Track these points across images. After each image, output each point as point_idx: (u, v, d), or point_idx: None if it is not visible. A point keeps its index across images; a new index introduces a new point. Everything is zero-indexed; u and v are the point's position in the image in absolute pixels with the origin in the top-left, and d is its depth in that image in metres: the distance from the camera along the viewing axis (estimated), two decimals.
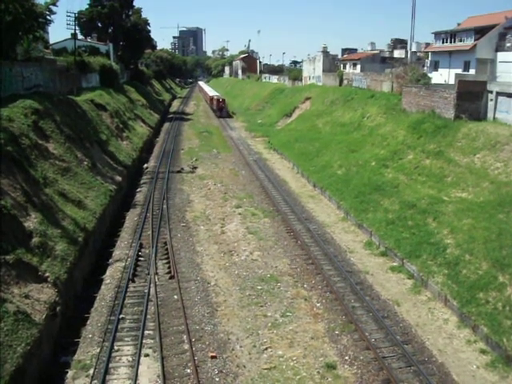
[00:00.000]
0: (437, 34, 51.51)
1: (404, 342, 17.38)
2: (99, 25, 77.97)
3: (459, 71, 43.61)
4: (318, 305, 20.14)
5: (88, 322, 18.48)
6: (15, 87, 31.26)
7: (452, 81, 41.16)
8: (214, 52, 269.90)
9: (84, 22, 74.52)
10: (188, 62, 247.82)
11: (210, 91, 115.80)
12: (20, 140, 24.09)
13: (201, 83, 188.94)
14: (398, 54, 71.59)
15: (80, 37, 69.82)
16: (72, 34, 55.94)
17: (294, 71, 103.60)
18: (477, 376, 15.66)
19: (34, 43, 38.73)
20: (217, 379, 15.33)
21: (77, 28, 58.62)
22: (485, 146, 28.42)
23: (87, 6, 76.80)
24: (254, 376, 15.52)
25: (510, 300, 17.49)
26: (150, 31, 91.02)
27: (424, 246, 23.07)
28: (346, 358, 16.61)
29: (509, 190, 23.87)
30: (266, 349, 16.97)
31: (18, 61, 33.80)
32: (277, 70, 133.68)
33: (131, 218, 30.56)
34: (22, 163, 22.53)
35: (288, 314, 19.28)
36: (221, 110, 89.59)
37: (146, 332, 17.79)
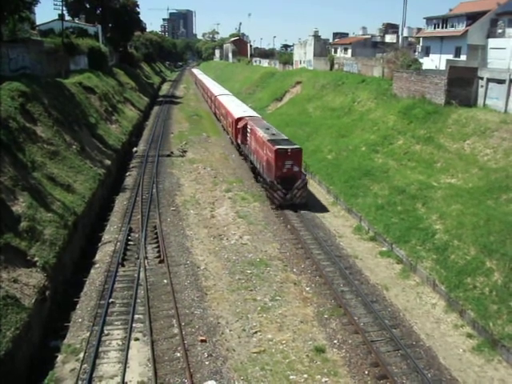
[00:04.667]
0: (428, 20, 51.29)
1: (392, 326, 17.57)
2: (87, 6, 76.39)
3: (450, 57, 43.55)
4: (308, 289, 20.26)
5: (78, 307, 18.46)
6: (1, 69, 30.70)
7: (443, 66, 41.11)
8: (204, 35, 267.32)
9: (71, 2, 72.93)
10: (178, 45, 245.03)
11: (231, 103, 52.48)
12: (7, 123, 23.74)
13: (196, 72, 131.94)
14: (389, 38, 71.46)
15: (67, 18, 68.50)
16: (59, 15, 54.89)
17: (284, 55, 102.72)
18: (463, 359, 15.91)
19: (20, 24, 37.99)
20: (206, 363, 15.42)
21: (64, 9, 57.53)
22: (474, 133, 28.56)
23: None
24: (243, 359, 15.64)
25: (497, 285, 17.72)
26: (139, 13, 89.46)
27: (413, 231, 23.23)
28: (335, 341, 16.76)
29: (498, 177, 24.05)
30: (256, 332, 17.08)
31: (4, 42, 33.16)
32: (267, 54, 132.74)
33: (121, 201, 30.40)
34: (10, 147, 22.24)
35: (277, 298, 19.38)
36: (289, 181, 29.19)
37: (136, 316, 17.79)
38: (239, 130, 40.64)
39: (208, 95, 76.03)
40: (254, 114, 45.24)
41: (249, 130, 36.78)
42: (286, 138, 32.41)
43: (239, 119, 41.71)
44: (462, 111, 31.36)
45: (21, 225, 18.38)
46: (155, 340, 16.41)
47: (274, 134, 32.54)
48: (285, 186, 28.87)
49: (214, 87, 74.87)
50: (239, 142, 41.29)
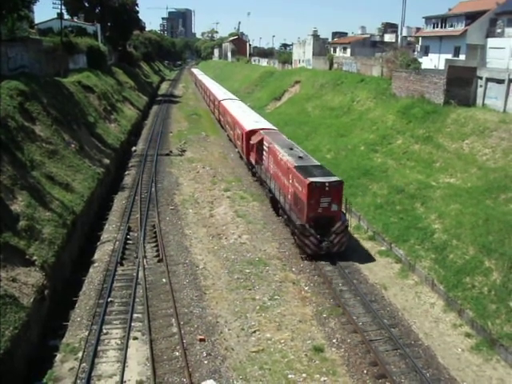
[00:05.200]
0: (428, 19, 51.36)
1: (391, 325, 17.57)
2: (86, 4, 76.36)
3: (449, 56, 43.59)
4: (306, 288, 20.26)
5: (76, 306, 18.44)
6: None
7: (442, 66, 41.14)
8: (203, 34, 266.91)
9: (70, 1, 72.64)
10: (177, 44, 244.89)
11: (240, 111, 45.57)
12: (6, 122, 23.72)
13: (196, 72, 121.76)
14: (388, 38, 71.49)
15: (66, 17, 68.42)
16: (58, 14, 54.86)
17: (283, 54, 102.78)
18: (462, 359, 15.92)
19: (19, 23, 37.86)
20: (205, 362, 15.42)
21: (63, 7, 57.41)
22: (473, 132, 28.57)
23: None
24: (242, 359, 15.63)
25: (496, 285, 17.74)
26: (138, 12, 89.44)
27: (412, 230, 23.23)
28: (334, 340, 16.77)
29: (496, 176, 24.06)
30: (254, 332, 17.08)
31: (3, 41, 33.07)
32: (267, 53, 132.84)
33: (119, 200, 30.38)
34: (9, 146, 22.22)
35: (276, 297, 19.38)
36: (326, 224, 22.32)
37: (135, 315, 17.79)
38: (252, 147, 33.91)
39: (210, 99, 68.25)
40: (269, 125, 38.19)
41: (265, 149, 30.19)
42: (317, 163, 25.65)
43: (251, 132, 35.24)
44: (461, 111, 31.37)
45: (19, 224, 18.37)
46: (154, 339, 16.40)
47: (301, 158, 25.68)
48: (320, 230, 22.12)
49: (218, 90, 67.28)
50: (252, 161, 34.58)
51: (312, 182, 21.95)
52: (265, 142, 30.53)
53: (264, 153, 30.55)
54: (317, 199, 22.08)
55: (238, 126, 40.03)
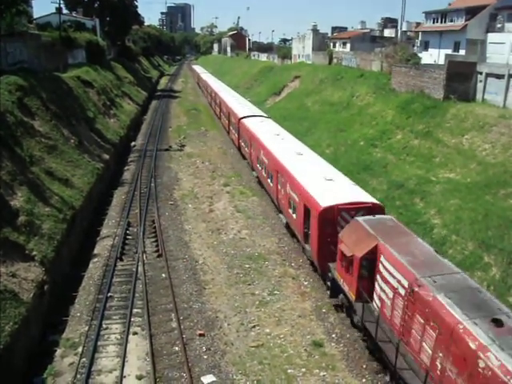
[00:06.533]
0: (427, 14, 51.29)
1: None
2: None
3: (449, 52, 43.54)
4: (306, 283, 20.27)
5: (76, 301, 18.46)
6: None
7: (442, 61, 41.08)
8: (202, 29, 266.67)
9: None
10: (176, 39, 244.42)
11: (302, 164, 23.90)
12: (5, 117, 23.66)
13: (199, 70, 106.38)
14: (388, 33, 71.46)
15: (65, 11, 68.18)
16: (57, 9, 54.70)
17: (283, 49, 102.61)
18: None
19: (18, 17, 37.71)
20: (205, 357, 15.45)
21: (61, 2, 57.24)
22: (473, 127, 28.53)
23: None
24: (241, 353, 15.67)
25: (495, 280, 17.76)
26: (137, 6, 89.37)
27: (411, 225, 23.14)
28: (333, 335, 16.79)
29: (496, 172, 24.05)
30: (254, 327, 17.11)
31: (1, 36, 32.95)
32: (266, 48, 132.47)
33: (119, 196, 30.37)
34: (8, 141, 22.17)
35: (276, 292, 19.41)
36: None
37: (135, 310, 17.82)
38: (351, 264, 15.65)
39: (222, 110, 52.77)
40: (365, 194, 20.33)
41: (389, 279, 14.07)
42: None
43: (333, 212, 18.42)
44: (461, 106, 31.33)
45: (19, 219, 18.35)
46: (154, 334, 16.44)
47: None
48: None
49: (235, 101, 48.95)
50: (346, 290, 16.41)
51: None
52: (384, 260, 14.37)
53: (380, 281, 14.69)
54: None
55: (296, 188, 21.97)
